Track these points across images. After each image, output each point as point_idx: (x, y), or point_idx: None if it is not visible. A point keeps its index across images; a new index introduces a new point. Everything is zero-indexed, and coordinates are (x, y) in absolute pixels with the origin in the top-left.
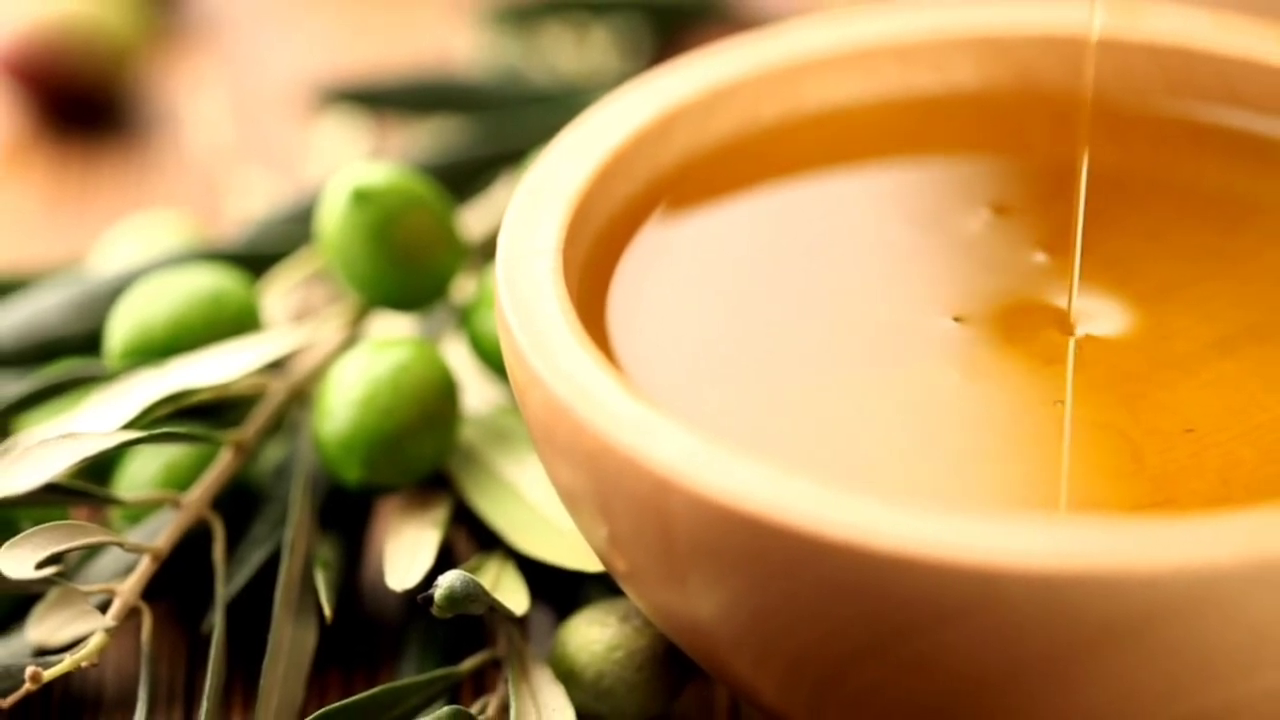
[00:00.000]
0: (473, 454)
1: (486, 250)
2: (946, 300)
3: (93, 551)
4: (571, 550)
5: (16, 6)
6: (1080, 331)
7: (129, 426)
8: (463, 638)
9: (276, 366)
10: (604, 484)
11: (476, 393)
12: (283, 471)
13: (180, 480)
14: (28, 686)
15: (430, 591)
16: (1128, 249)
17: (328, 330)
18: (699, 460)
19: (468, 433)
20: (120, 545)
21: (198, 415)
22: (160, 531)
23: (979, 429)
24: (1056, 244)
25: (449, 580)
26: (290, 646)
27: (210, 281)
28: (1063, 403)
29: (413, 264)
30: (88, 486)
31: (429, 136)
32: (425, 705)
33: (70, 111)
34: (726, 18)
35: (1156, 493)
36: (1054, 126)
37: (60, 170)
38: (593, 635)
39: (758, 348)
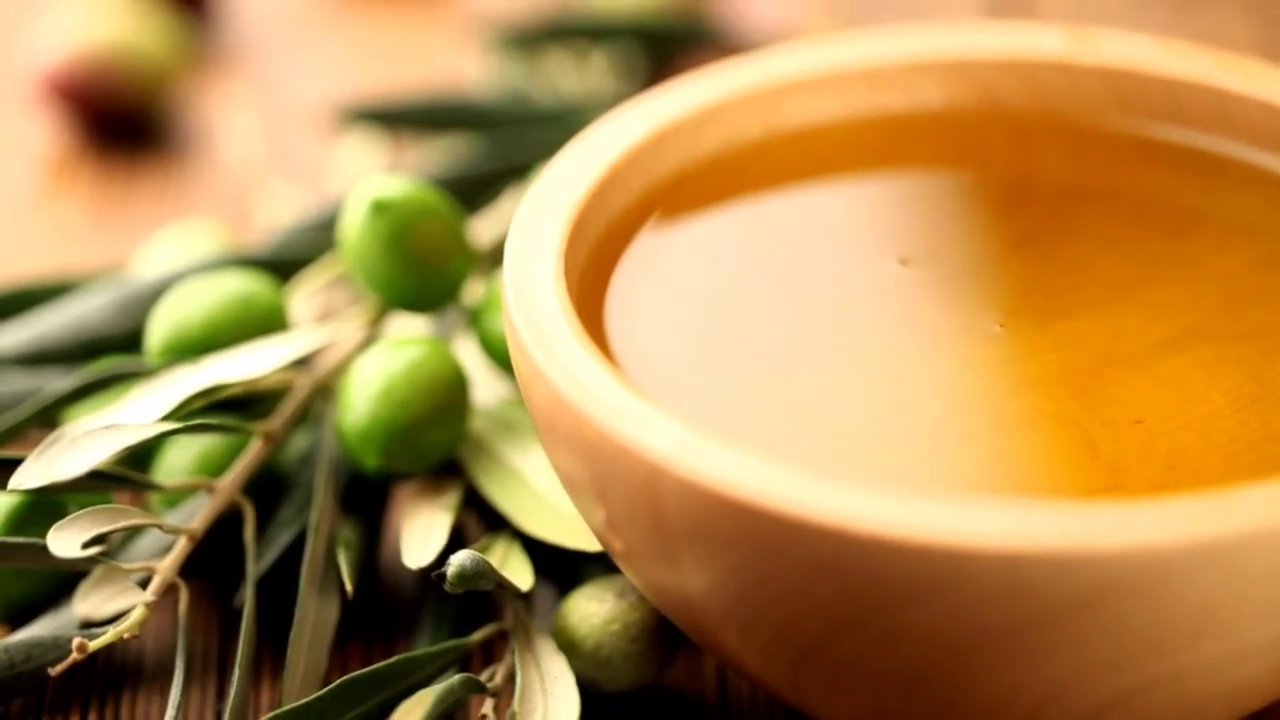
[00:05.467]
0: (482, 443)
1: (494, 256)
2: (916, 301)
3: (134, 533)
4: (572, 531)
5: (64, 33)
6: (1040, 331)
7: (167, 418)
8: (473, 612)
9: (302, 363)
10: (602, 471)
11: (485, 387)
12: (308, 459)
13: (214, 468)
14: (74, 656)
15: (443, 569)
16: (1083, 255)
17: (349, 330)
18: (689, 449)
19: (477, 424)
20: (159, 527)
21: (230, 408)
22: (196, 514)
23: (946, 421)
24: (1016, 249)
25: (460, 559)
26: (315, 620)
27: (241, 285)
28: (1024, 397)
29: (427, 269)
30: (129, 473)
31: (441, 152)
32: (438, 674)
33: (113, 129)
34: (714, 44)
35: (1109, 479)
36: (1013, 142)
37: (104, 183)
38: (592, 609)
39: (743, 346)
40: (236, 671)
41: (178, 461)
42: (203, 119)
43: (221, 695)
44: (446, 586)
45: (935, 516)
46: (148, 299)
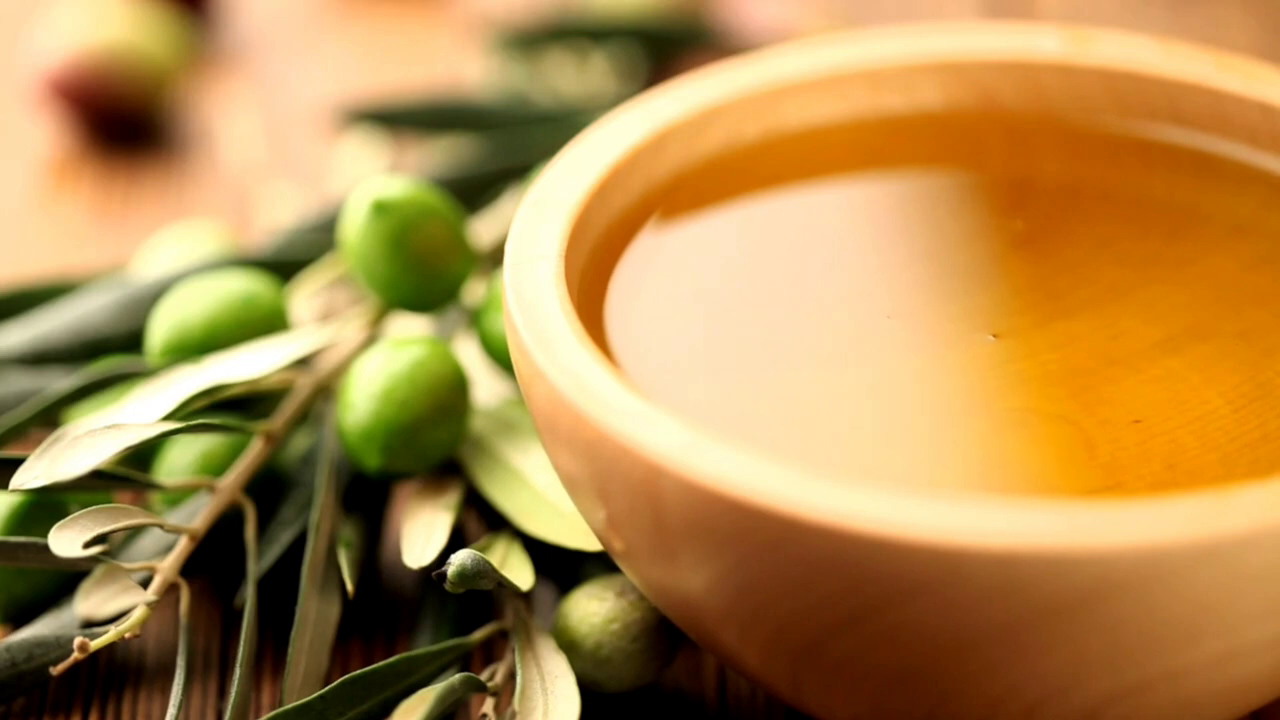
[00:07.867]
0: (482, 443)
1: (495, 257)
2: (913, 302)
3: (135, 532)
4: (572, 531)
5: (65, 34)
6: (1038, 331)
7: (168, 418)
8: (473, 611)
9: (303, 363)
10: (602, 470)
11: (486, 387)
12: (309, 459)
13: (215, 467)
14: (75, 655)
15: (444, 569)
16: (1081, 256)
17: (350, 330)
18: (688, 448)
19: (478, 424)
20: (160, 526)
21: (231, 408)
22: (197, 514)
23: (943, 421)
24: (1013, 250)
25: (461, 558)
26: (316, 619)
27: (243, 285)
28: (1022, 396)
29: (427, 269)
30: (130, 473)
31: (442, 153)
32: (439, 673)
33: (115, 130)
34: (713, 45)
35: (1106, 478)
36: (1011, 144)
37: (106, 184)
38: (592, 609)
39: (742, 346)
40: (238, 670)
41: (179, 461)
42: (204, 120)
43: (223, 694)
44: (447, 586)
45: (933, 515)
46: (149, 299)
